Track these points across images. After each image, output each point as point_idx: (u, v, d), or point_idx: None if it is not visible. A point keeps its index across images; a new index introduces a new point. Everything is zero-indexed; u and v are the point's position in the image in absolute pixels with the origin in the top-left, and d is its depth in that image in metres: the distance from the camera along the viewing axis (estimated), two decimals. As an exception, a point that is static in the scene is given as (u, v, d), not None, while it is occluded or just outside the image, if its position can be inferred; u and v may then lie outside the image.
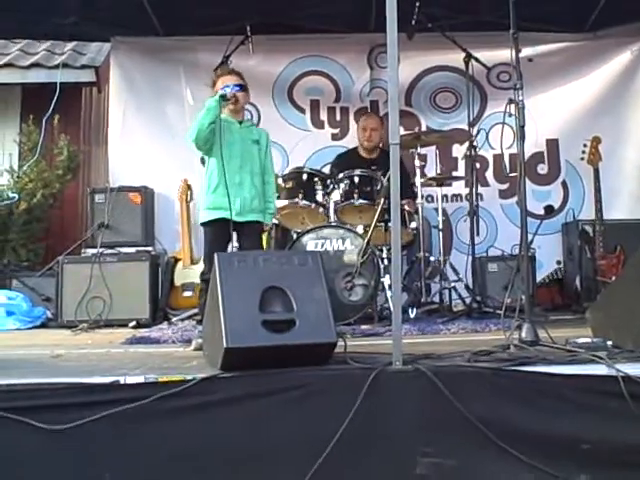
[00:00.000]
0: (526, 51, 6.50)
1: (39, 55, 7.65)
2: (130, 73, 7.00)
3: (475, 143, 6.07)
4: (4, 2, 5.66)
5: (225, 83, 4.48)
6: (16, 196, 6.68)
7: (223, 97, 4.32)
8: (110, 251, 6.13)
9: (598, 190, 6.10)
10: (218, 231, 4.38)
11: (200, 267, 4.63)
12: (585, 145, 6.31)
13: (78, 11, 6.15)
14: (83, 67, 7.60)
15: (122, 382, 2.88)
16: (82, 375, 2.98)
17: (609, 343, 3.27)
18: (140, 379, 2.90)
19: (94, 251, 6.09)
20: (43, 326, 5.88)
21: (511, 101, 3.68)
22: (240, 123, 4.55)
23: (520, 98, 3.64)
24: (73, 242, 6.42)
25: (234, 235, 4.43)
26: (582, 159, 6.36)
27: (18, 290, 6.10)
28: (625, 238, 5.83)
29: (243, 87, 4.49)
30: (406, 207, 5.52)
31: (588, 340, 3.35)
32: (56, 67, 7.31)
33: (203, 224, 4.51)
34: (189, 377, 2.88)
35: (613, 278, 5.55)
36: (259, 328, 2.95)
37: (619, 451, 2.82)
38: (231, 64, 6.07)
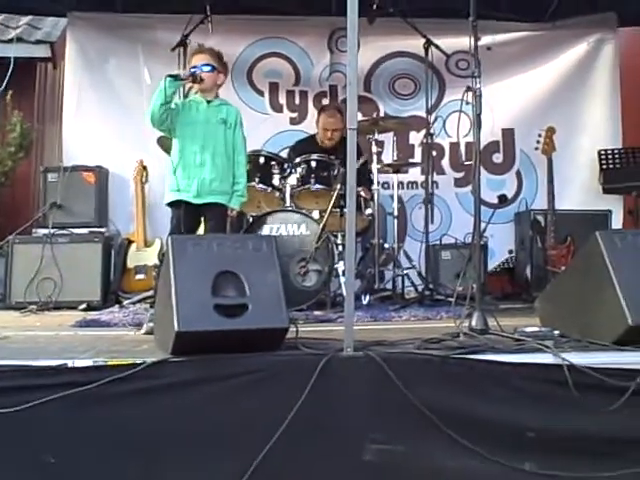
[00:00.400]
0: (485, 39, 6.54)
1: (-8, 29, 7.48)
2: (86, 49, 6.85)
3: (432, 131, 6.11)
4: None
5: (195, 62, 4.42)
6: (-34, 173, 6.55)
7: (174, 77, 4.23)
8: (62, 232, 6.02)
9: (551, 180, 6.17)
10: (180, 214, 4.31)
11: (154, 249, 4.58)
12: (540, 135, 6.37)
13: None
14: (38, 42, 7.45)
15: (70, 365, 2.84)
16: (29, 358, 2.93)
17: (556, 332, 3.32)
18: (89, 362, 2.87)
19: (45, 231, 5.98)
20: (-10, 307, 5.78)
21: (469, 89, 3.69)
22: (208, 102, 4.47)
23: (478, 86, 3.66)
24: (24, 221, 6.29)
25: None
26: (537, 149, 6.44)
27: (-34, 269, 5.98)
28: (576, 229, 5.91)
29: (212, 67, 4.41)
30: (362, 193, 5.53)
31: (536, 329, 3.39)
32: (10, 41, 7.12)
33: (167, 205, 4.45)
34: (139, 361, 2.85)
35: (563, 268, 5.63)
36: (211, 312, 2.94)
37: (563, 439, 2.88)
38: (190, 43, 5.99)
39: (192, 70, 4.35)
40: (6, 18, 7.62)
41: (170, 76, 4.22)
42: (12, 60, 6.31)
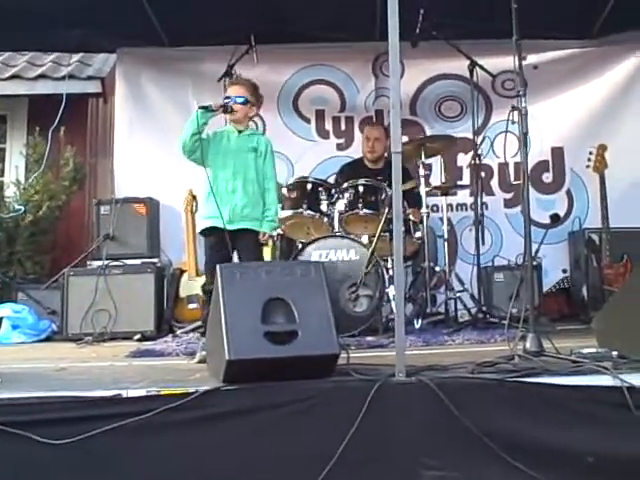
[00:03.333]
0: (531, 58, 6.52)
1: (46, 67, 7.66)
2: (136, 84, 7.03)
3: (480, 152, 6.06)
4: (11, 15, 5.69)
5: (230, 93, 4.52)
6: (22, 208, 6.68)
7: (205, 108, 4.31)
8: (115, 263, 6.12)
9: (604, 198, 6.05)
10: (215, 241, 4.36)
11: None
12: (591, 153, 6.26)
13: (84, 23, 6.15)
14: (89, 78, 7.61)
15: (124, 395, 2.87)
16: (85, 389, 2.97)
17: (614, 353, 3.23)
18: (142, 392, 2.89)
19: (99, 263, 6.09)
20: (48, 339, 5.87)
21: (514, 108, 3.67)
22: (240, 132, 4.53)
23: (523, 105, 3.63)
24: (79, 254, 6.41)
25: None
26: (588, 167, 6.31)
27: (24, 303, 6.10)
28: (632, 247, 5.78)
29: (245, 99, 4.48)
30: (411, 216, 5.51)
31: (593, 350, 3.31)
32: (62, 78, 7.30)
33: (200, 233, 4.53)
34: (191, 390, 2.88)
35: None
36: (261, 340, 2.95)
37: (624, 462, 2.80)
38: (235, 74, 6.08)
39: (225, 101, 4.41)
40: (58, 57, 7.81)
41: (201, 107, 4.29)
42: (64, 96, 6.50)
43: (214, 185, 4.32)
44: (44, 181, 6.92)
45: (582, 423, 2.83)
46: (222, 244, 4.26)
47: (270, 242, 4.87)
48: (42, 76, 7.52)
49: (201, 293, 4.68)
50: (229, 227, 4.30)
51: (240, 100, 4.45)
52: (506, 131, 3.79)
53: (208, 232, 4.41)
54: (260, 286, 3.12)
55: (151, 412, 2.78)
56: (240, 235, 4.38)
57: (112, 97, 7.39)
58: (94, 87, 7.59)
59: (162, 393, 2.89)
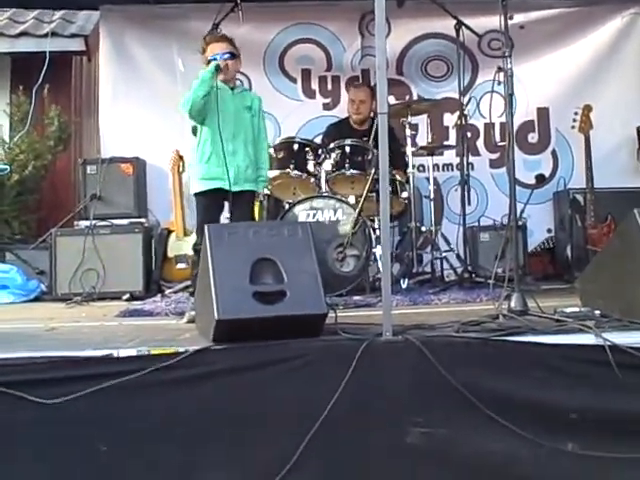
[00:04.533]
0: (517, 18, 6.47)
1: (28, 24, 7.54)
2: (120, 42, 6.93)
3: (466, 112, 6.06)
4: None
5: (214, 51, 4.41)
6: (7, 168, 6.62)
7: (217, 68, 4.28)
8: (103, 223, 6.13)
9: (589, 158, 6.09)
10: (211, 201, 4.35)
11: (193, 238, 4.62)
12: (576, 113, 6.29)
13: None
14: (72, 36, 7.50)
15: (115, 355, 2.90)
16: (76, 348, 3.00)
17: (597, 312, 3.30)
18: (133, 352, 2.92)
19: (87, 223, 6.09)
20: (37, 299, 5.89)
21: (500, 69, 3.67)
22: (232, 90, 4.49)
23: (509, 66, 3.64)
24: (65, 214, 6.40)
25: (226, 205, 4.43)
26: (573, 127, 6.34)
27: (11, 263, 6.11)
28: (616, 207, 5.80)
29: (233, 54, 4.44)
30: (397, 176, 5.53)
31: (577, 310, 3.37)
32: (45, 36, 7.21)
33: (196, 194, 4.48)
34: (181, 349, 2.91)
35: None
36: (250, 300, 2.98)
37: (606, 420, 2.87)
38: (220, 32, 6.01)
39: (222, 58, 4.35)
40: (40, 13, 7.70)
41: (216, 67, 4.26)
42: (47, 54, 6.43)
43: (212, 146, 4.29)
44: (29, 140, 6.87)
45: (565, 381, 2.89)
46: (217, 205, 4.26)
47: (257, 202, 4.87)
48: (24, 33, 7.42)
49: (191, 252, 4.69)
50: (233, 188, 4.29)
51: (227, 56, 4.40)
52: (492, 91, 3.80)
53: (206, 193, 4.37)
54: (248, 246, 3.14)
55: (142, 371, 2.81)
56: (239, 195, 4.38)
57: (96, 55, 7.30)
58: (77, 45, 7.49)
59: (153, 353, 2.92)
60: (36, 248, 6.22)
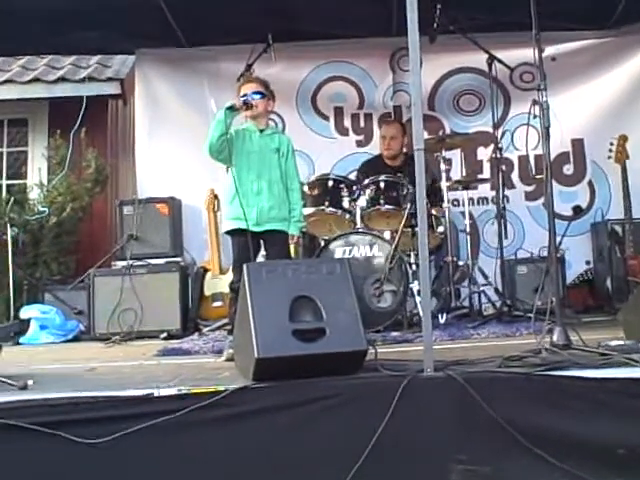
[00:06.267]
0: (549, 50, 6.46)
1: (65, 69, 7.71)
2: (155, 84, 7.09)
3: (500, 145, 6.05)
4: (30, 18, 5.74)
5: (244, 91, 4.48)
6: (46, 210, 6.76)
7: (231, 108, 4.30)
8: (140, 263, 6.19)
9: (626, 188, 6.03)
10: (242, 240, 4.36)
11: (229, 277, 4.64)
12: (612, 144, 6.24)
13: (102, 24, 6.19)
14: (108, 80, 7.64)
15: (156, 394, 2.90)
16: (116, 388, 3.01)
17: (643, 345, 3.24)
18: (173, 391, 2.92)
19: (124, 263, 6.17)
20: (76, 339, 5.96)
21: (535, 102, 3.66)
22: (261, 131, 4.53)
23: (544, 99, 3.62)
24: (103, 255, 6.49)
25: (261, 243, 4.44)
26: (609, 158, 6.29)
27: (50, 304, 6.18)
28: (655, 237, 5.77)
29: (262, 94, 4.48)
30: (433, 211, 5.51)
31: (621, 342, 3.31)
32: (82, 81, 7.39)
33: (226, 233, 4.53)
34: (221, 388, 2.90)
35: (645, 278, 5.50)
36: (289, 338, 2.98)
37: (656, 455, 2.80)
38: (253, 73, 6.10)
39: (244, 98, 4.40)
40: (77, 59, 7.88)
41: (228, 107, 4.30)
42: (84, 98, 6.57)
43: (238, 186, 4.33)
44: (67, 183, 6.98)
45: (612, 415, 2.83)
46: (249, 244, 4.27)
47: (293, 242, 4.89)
48: (62, 79, 7.57)
49: (227, 290, 4.71)
50: (257, 229, 4.32)
51: (257, 96, 4.44)
52: (527, 124, 3.80)
53: (234, 233, 4.41)
54: (287, 284, 3.14)
55: (183, 410, 2.81)
56: (268, 236, 4.41)
57: (131, 98, 7.44)
58: (113, 88, 7.63)
59: (193, 392, 2.91)
60: (74, 289, 6.30)
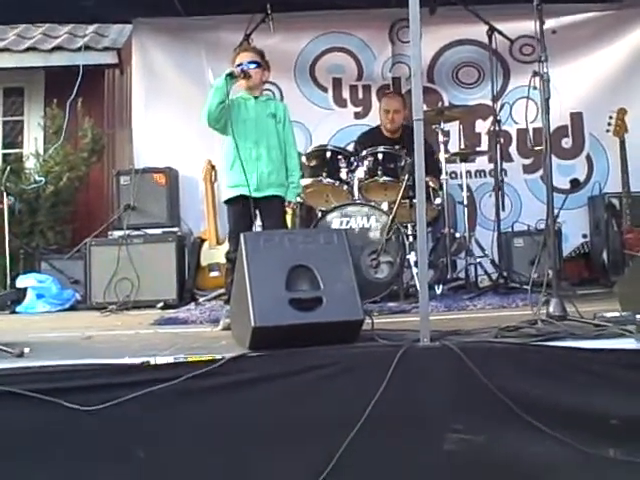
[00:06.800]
0: (549, 23, 6.33)
1: (61, 38, 7.66)
2: (152, 54, 7.04)
3: (499, 118, 6.03)
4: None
5: (241, 60, 4.45)
6: (43, 179, 6.75)
7: (230, 75, 4.28)
8: (136, 233, 6.20)
9: (625, 162, 6.01)
10: (240, 209, 4.34)
11: (226, 247, 4.63)
12: (611, 117, 6.21)
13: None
14: (105, 49, 7.60)
15: (152, 362, 2.91)
16: (113, 356, 3.01)
17: (638, 317, 3.23)
18: (170, 359, 2.93)
19: (121, 233, 6.17)
20: (72, 308, 5.97)
21: (535, 74, 3.64)
22: (256, 98, 4.50)
23: (545, 71, 3.60)
24: (100, 224, 6.49)
25: (257, 213, 4.43)
26: (608, 131, 6.26)
27: (47, 273, 6.19)
28: (653, 211, 5.77)
29: (258, 63, 4.45)
30: (430, 183, 5.49)
31: (616, 314, 3.32)
32: (78, 50, 7.33)
33: (225, 202, 4.51)
34: (218, 357, 2.91)
35: (641, 251, 5.50)
36: (286, 306, 2.98)
37: (648, 424, 2.82)
38: (252, 43, 6.06)
39: (240, 67, 4.37)
40: (73, 28, 7.81)
41: (227, 75, 4.27)
42: (81, 68, 6.52)
43: (237, 153, 4.31)
44: (63, 152, 6.96)
45: (606, 386, 2.84)
46: (247, 212, 4.26)
47: (290, 210, 4.88)
48: (58, 48, 7.52)
49: (223, 261, 4.70)
50: (257, 194, 4.30)
51: (253, 66, 4.41)
52: (527, 97, 3.78)
53: (234, 200, 4.39)
54: (284, 253, 3.14)
55: (179, 379, 2.82)
56: (266, 202, 4.39)
57: (129, 68, 7.40)
58: (110, 58, 7.59)
59: (189, 360, 2.92)
60: (71, 258, 6.31)
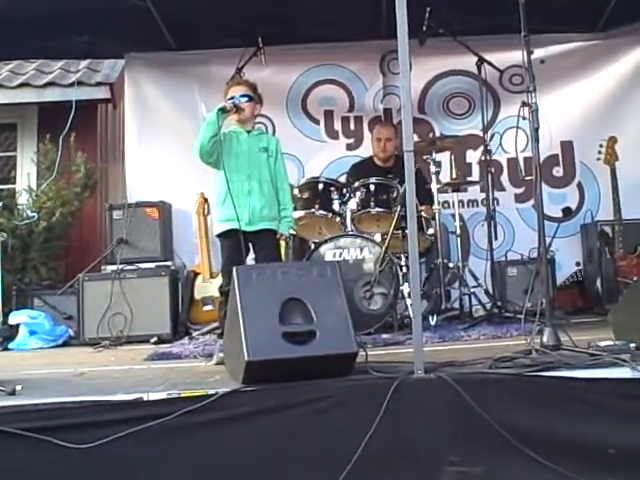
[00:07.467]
0: (538, 52, 6.51)
1: (54, 74, 7.69)
2: (144, 88, 7.07)
3: (489, 147, 6.06)
4: (18, 23, 5.72)
5: (233, 93, 4.46)
6: (35, 215, 6.73)
7: (222, 110, 4.29)
8: (130, 267, 6.16)
9: (616, 190, 6.03)
10: (233, 242, 4.32)
11: (219, 281, 4.62)
12: (601, 145, 6.24)
13: (91, 29, 6.17)
14: (98, 84, 7.63)
15: (145, 399, 2.89)
16: (106, 393, 3.00)
17: (632, 345, 3.23)
18: (163, 395, 2.92)
19: (114, 267, 6.13)
20: (65, 344, 5.91)
21: (524, 104, 3.67)
22: (248, 132, 4.52)
23: (533, 101, 3.63)
24: (93, 259, 6.46)
25: (250, 246, 4.42)
26: (598, 159, 6.28)
27: (40, 309, 6.14)
28: (645, 238, 5.78)
29: (250, 97, 4.47)
30: (423, 213, 5.52)
31: (611, 343, 3.31)
32: (71, 85, 7.36)
33: (218, 236, 4.49)
34: (211, 392, 2.90)
35: (634, 279, 5.50)
36: (280, 340, 2.97)
37: (646, 454, 2.80)
38: (244, 76, 6.10)
39: (232, 100, 4.39)
40: (66, 63, 7.85)
41: (219, 109, 4.29)
42: (74, 103, 6.54)
43: (228, 187, 4.31)
44: (56, 188, 6.95)
45: (602, 415, 2.84)
46: (240, 245, 4.26)
47: (283, 242, 4.88)
48: (51, 83, 7.54)
49: (217, 294, 4.69)
50: (249, 228, 4.30)
51: (244, 99, 4.44)
52: (517, 127, 3.80)
53: (227, 234, 4.37)
54: (277, 287, 3.14)
55: (172, 414, 2.80)
56: (259, 235, 4.38)
57: (121, 102, 7.44)
58: (103, 93, 7.62)
59: (183, 395, 2.91)
60: (64, 293, 6.25)
